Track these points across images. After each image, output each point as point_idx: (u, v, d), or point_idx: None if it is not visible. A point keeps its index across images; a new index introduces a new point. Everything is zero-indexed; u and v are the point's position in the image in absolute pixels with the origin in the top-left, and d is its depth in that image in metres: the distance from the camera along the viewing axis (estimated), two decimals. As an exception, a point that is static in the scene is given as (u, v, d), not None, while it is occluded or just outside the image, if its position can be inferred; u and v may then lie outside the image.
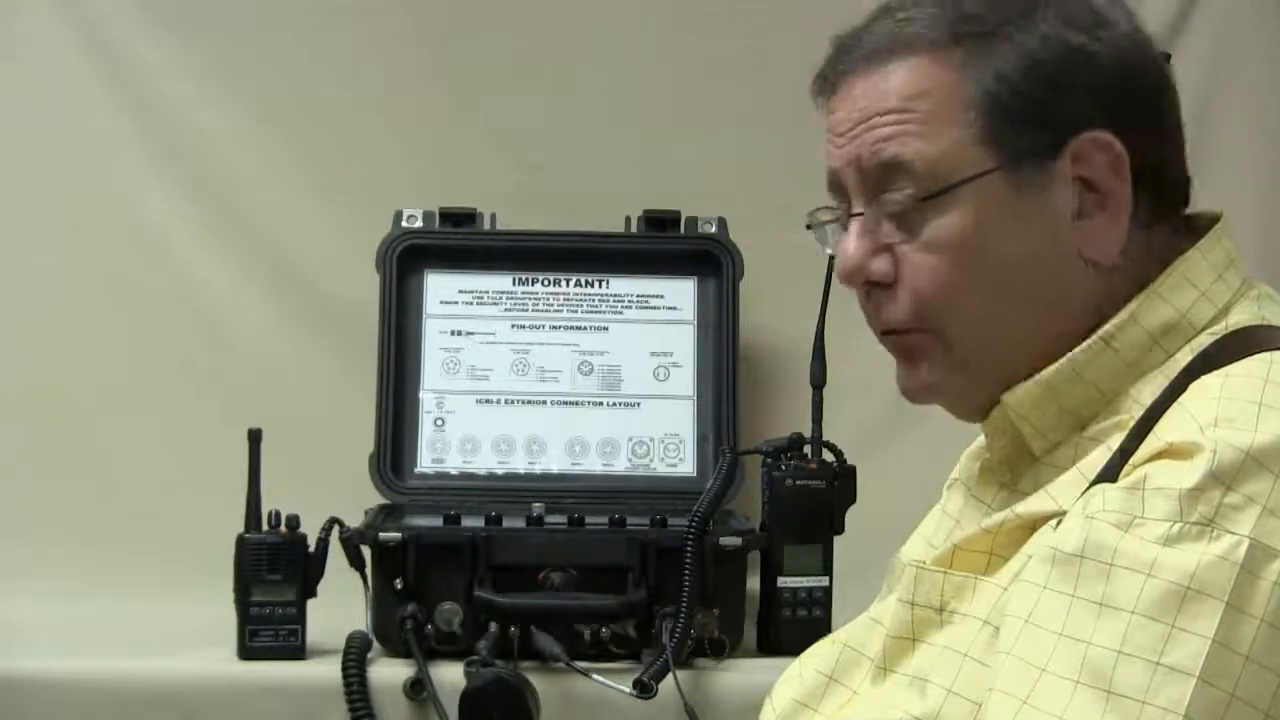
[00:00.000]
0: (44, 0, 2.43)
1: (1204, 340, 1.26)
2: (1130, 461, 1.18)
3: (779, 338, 2.42)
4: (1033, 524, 1.25)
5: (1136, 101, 1.30)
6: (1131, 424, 1.23)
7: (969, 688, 1.22)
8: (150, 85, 2.44)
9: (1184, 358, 1.25)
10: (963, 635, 1.24)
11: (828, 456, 2.13)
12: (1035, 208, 1.27)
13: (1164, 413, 1.20)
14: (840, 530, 2.11)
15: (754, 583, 2.12)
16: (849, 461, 2.13)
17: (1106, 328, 1.27)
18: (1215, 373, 1.20)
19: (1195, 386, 1.20)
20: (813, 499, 2.10)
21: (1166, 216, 1.31)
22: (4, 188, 2.43)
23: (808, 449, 2.13)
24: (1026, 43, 1.26)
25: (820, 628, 2.04)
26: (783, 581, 2.09)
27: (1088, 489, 1.20)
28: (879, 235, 1.30)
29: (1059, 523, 1.21)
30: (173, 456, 2.39)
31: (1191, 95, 2.42)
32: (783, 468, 2.11)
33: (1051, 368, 1.27)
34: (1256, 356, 1.20)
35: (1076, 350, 1.27)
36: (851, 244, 1.30)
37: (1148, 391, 1.25)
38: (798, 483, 2.10)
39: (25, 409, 2.40)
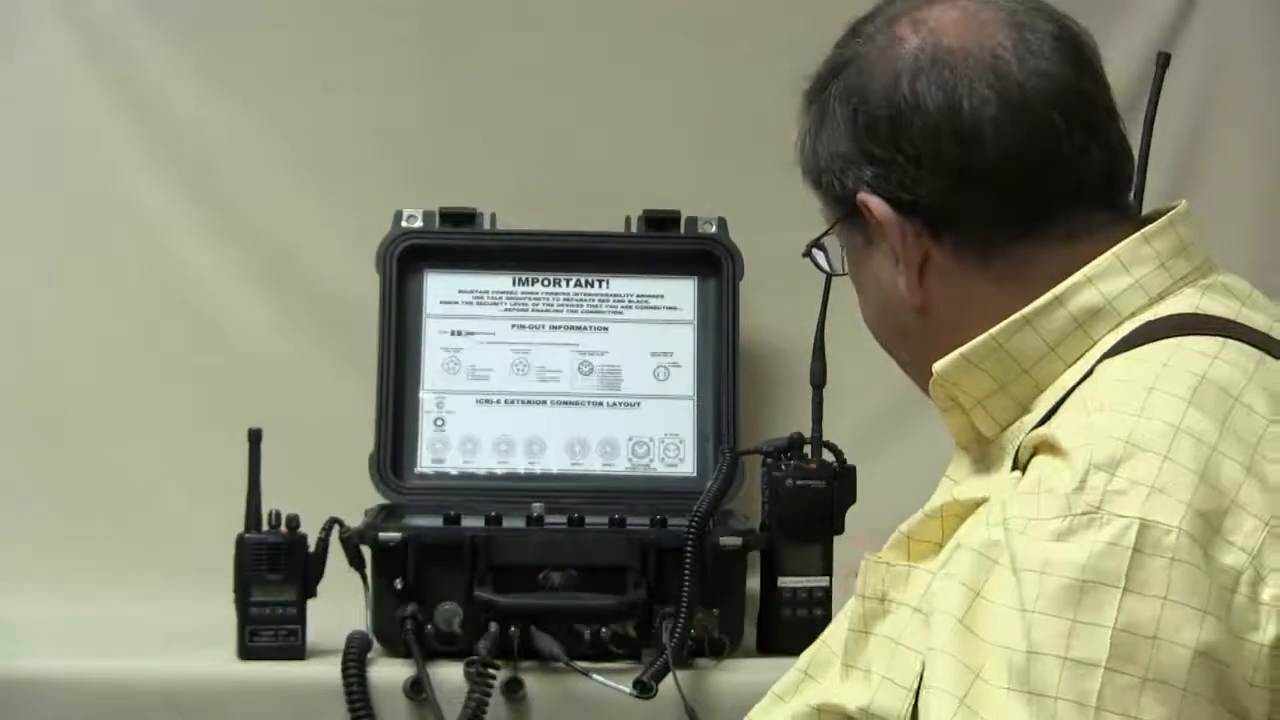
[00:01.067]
0: (44, 0, 2.43)
1: (1130, 327, 1.27)
2: (1022, 442, 1.21)
3: (779, 338, 2.42)
4: (966, 510, 1.27)
5: (898, 153, 1.32)
6: (1045, 412, 1.25)
7: (899, 674, 1.24)
8: (150, 85, 2.44)
9: (1108, 344, 1.26)
10: (897, 623, 1.27)
11: (828, 456, 2.13)
12: (869, 253, 1.37)
13: (1069, 397, 1.23)
14: (840, 530, 2.11)
15: (754, 583, 2.12)
16: (849, 461, 2.13)
17: (1027, 309, 1.29)
18: (1119, 356, 1.22)
19: (1099, 369, 1.23)
20: (813, 499, 2.10)
21: (1028, 232, 1.31)
22: (4, 188, 2.43)
23: (808, 449, 2.13)
24: (815, 111, 1.38)
25: (820, 628, 2.01)
26: (783, 581, 2.09)
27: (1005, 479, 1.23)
28: None
29: (985, 519, 1.22)
30: (173, 456, 2.39)
31: (1191, 95, 2.47)
32: (783, 468, 2.11)
33: (971, 342, 1.31)
34: (1165, 340, 1.22)
35: (995, 328, 1.30)
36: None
37: (1070, 381, 1.26)
38: (798, 483, 2.10)
39: (25, 409, 2.39)
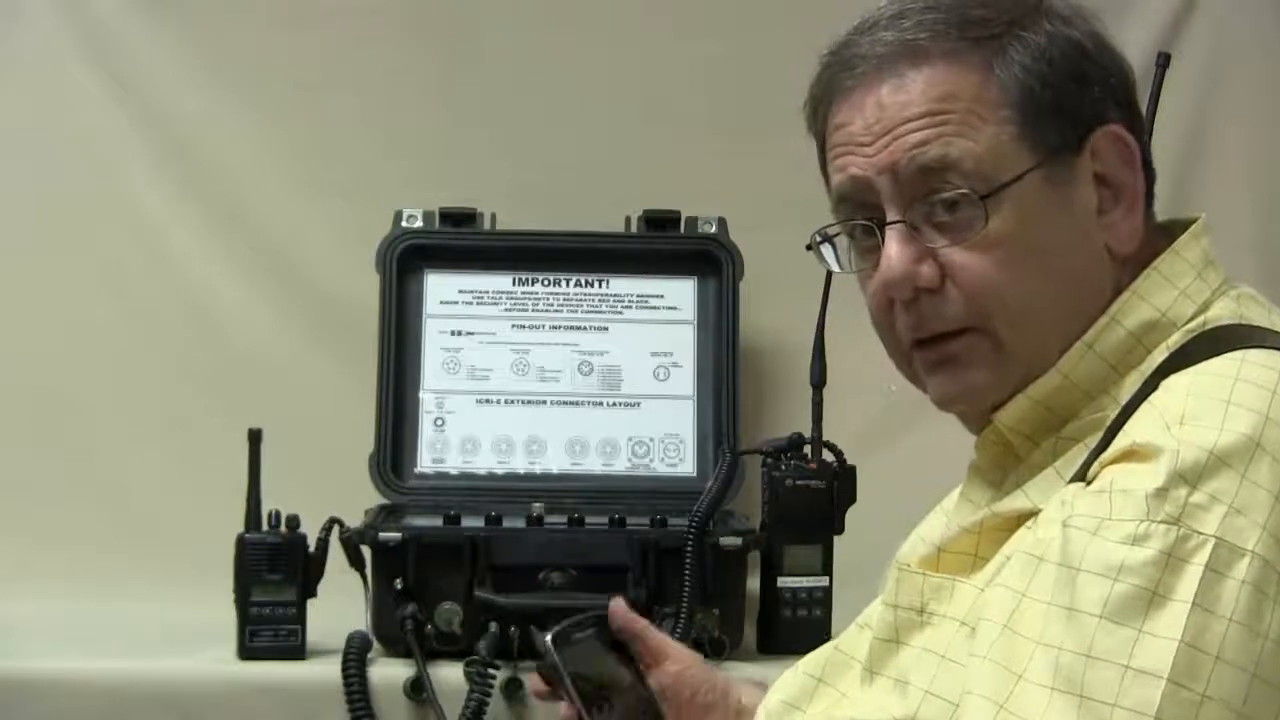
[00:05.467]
0: (44, 0, 2.43)
1: (1182, 338, 1.26)
2: (1099, 460, 1.19)
3: (779, 338, 2.42)
4: (1010, 524, 1.26)
5: (1133, 96, 1.32)
6: (1108, 423, 1.23)
7: (945, 688, 1.22)
8: (150, 85, 2.44)
9: (1161, 354, 1.26)
10: (941, 637, 1.25)
11: (828, 456, 2.14)
12: (1068, 203, 1.28)
13: (1135, 410, 1.21)
14: (840, 530, 2.11)
15: (754, 583, 2.12)
16: (849, 461, 2.13)
17: (1088, 335, 1.27)
18: (1186, 370, 1.21)
19: (1166, 384, 1.21)
20: (813, 499, 2.10)
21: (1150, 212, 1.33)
22: (4, 188, 2.43)
23: (808, 449, 2.13)
24: (1038, 41, 1.27)
25: (820, 628, 2.04)
26: (783, 581, 2.09)
27: (1065, 488, 1.21)
28: (921, 241, 1.28)
29: (1034, 523, 1.21)
30: (173, 456, 2.39)
31: (1191, 96, 2.47)
32: (783, 468, 2.11)
33: (1041, 381, 1.28)
34: (1228, 354, 1.21)
35: (1062, 360, 1.27)
36: (894, 252, 1.28)
37: (1126, 390, 1.25)
38: (798, 483, 2.10)
39: (25, 409, 2.40)
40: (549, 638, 1.51)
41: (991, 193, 1.25)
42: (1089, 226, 1.28)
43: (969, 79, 1.27)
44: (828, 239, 1.36)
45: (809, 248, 1.38)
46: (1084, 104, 1.28)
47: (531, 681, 1.62)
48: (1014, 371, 1.29)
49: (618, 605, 1.61)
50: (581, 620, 1.58)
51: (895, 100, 1.28)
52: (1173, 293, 1.29)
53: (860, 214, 1.32)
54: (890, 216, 1.29)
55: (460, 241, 2.33)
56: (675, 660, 1.60)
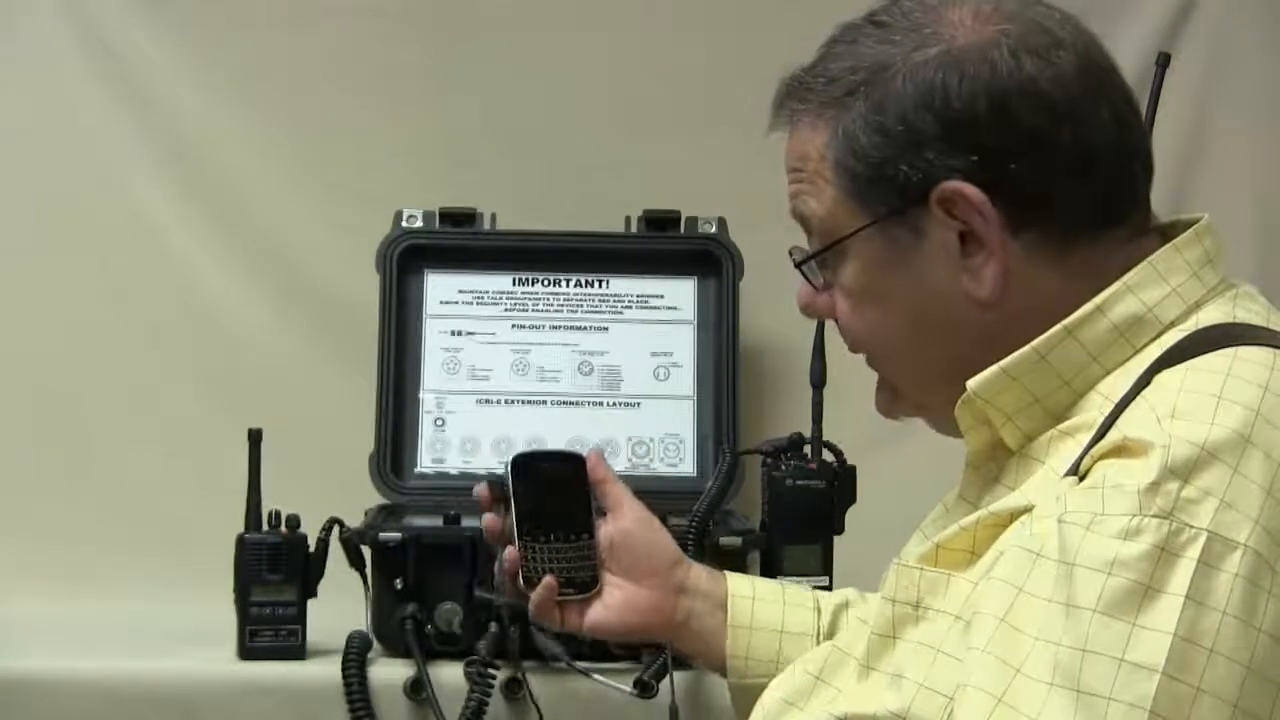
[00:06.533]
0: (44, 0, 2.43)
1: (1173, 336, 1.27)
2: (1090, 454, 1.19)
3: (779, 338, 2.42)
4: (1005, 521, 1.26)
5: (1006, 137, 1.28)
6: (1101, 420, 1.24)
7: (940, 682, 1.23)
8: (150, 85, 2.44)
9: (1153, 353, 1.26)
10: (936, 631, 1.26)
11: (828, 456, 2.13)
12: (916, 255, 1.31)
13: (1127, 407, 1.21)
14: (840, 530, 2.11)
15: (754, 583, 2.11)
16: (849, 461, 2.13)
17: (1069, 319, 1.28)
18: (1178, 366, 1.21)
19: (1158, 380, 1.21)
20: (813, 499, 2.10)
21: (1099, 231, 1.30)
22: (4, 187, 2.43)
23: (808, 449, 2.13)
24: (881, 102, 1.29)
25: (820, 628, 2.04)
26: (782, 582, 2.09)
27: (1059, 483, 1.21)
28: (815, 278, 1.39)
29: (1029, 518, 1.22)
30: (173, 456, 2.39)
31: (1191, 97, 2.47)
32: (783, 468, 2.11)
33: (1012, 356, 1.29)
34: (1220, 351, 1.21)
35: (1038, 339, 1.28)
36: (800, 284, 1.41)
37: (1117, 388, 1.26)
38: (798, 483, 2.10)
39: (25, 409, 2.40)
40: (511, 459, 1.58)
41: (829, 248, 1.34)
42: (941, 275, 1.30)
43: (817, 140, 1.33)
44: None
45: (800, 264, 1.43)
46: (915, 169, 1.28)
47: (478, 488, 1.64)
48: (915, 402, 1.39)
49: (594, 452, 1.65)
50: (558, 455, 1.64)
51: (788, 149, 1.38)
52: (1163, 289, 1.29)
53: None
54: (795, 256, 1.40)
55: (460, 241, 2.33)
56: (630, 517, 1.63)
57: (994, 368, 1.29)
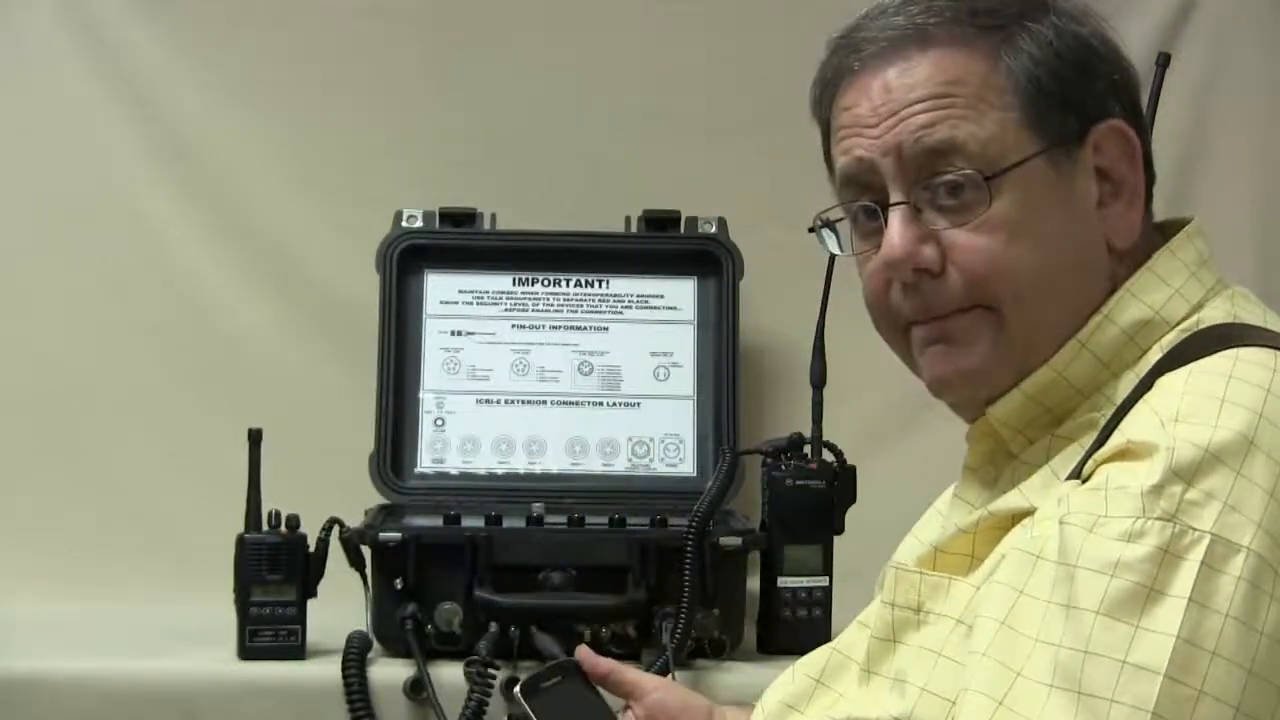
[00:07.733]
0: (44, 1, 2.43)
1: (1176, 337, 1.27)
2: (1094, 458, 1.19)
3: (779, 338, 2.42)
4: (1006, 523, 1.26)
5: (1136, 96, 1.33)
6: (1103, 422, 1.24)
7: (942, 686, 1.23)
8: (150, 85, 2.44)
9: (1156, 354, 1.26)
10: (938, 635, 1.26)
11: (828, 456, 2.13)
12: (1069, 192, 1.29)
13: (1131, 409, 1.21)
14: (840, 530, 2.11)
15: (754, 583, 2.12)
16: (849, 461, 2.13)
17: (1081, 332, 1.28)
18: (1181, 369, 1.21)
19: (1161, 382, 1.21)
20: (813, 499, 2.10)
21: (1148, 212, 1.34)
22: (4, 187, 2.43)
23: (808, 449, 2.13)
24: (1044, 34, 1.29)
25: (820, 628, 2.04)
26: (782, 582, 2.09)
27: (1061, 486, 1.21)
28: (924, 223, 1.29)
29: (1030, 520, 1.22)
30: (173, 456, 2.39)
31: (1191, 96, 2.46)
32: (783, 468, 2.11)
33: (1035, 375, 1.29)
34: (1223, 353, 1.21)
35: (1055, 356, 1.28)
36: (897, 232, 1.29)
37: (1121, 389, 1.26)
38: (798, 483, 2.10)
39: (25, 409, 2.40)
40: (518, 688, 1.54)
41: (995, 175, 1.26)
42: (1089, 217, 1.29)
43: (976, 65, 1.28)
44: (828, 224, 1.37)
45: (811, 230, 1.38)
46: (1088, 97, 1.29)
47: None
48: (1012, 354, 1.29)
49: (583, 651, 1.63)
50: (551, 668, 1.61)
51: (902, 83, 1.29)
52: (1166, 291, 1.29)
53: (864, 196, 1.32)
54: (894, 198, 1.30)
55: (460, 241, 2.33)
56: (651, 688, 1.60)
57: (1016, 392, 1.29)
